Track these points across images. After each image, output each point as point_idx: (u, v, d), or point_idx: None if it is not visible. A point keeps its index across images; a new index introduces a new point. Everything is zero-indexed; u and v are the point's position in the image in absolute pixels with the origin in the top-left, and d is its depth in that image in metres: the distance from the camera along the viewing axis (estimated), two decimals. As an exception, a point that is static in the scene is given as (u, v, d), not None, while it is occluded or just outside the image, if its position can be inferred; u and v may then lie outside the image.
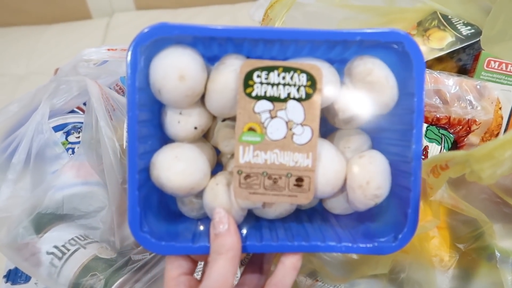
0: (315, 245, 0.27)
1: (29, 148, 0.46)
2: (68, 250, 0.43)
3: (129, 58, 0.26)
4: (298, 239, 0.28)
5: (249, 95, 0.26)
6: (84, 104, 0.52)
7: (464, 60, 0.54)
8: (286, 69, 0.26)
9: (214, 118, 0.30)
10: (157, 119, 0.30)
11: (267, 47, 0.28)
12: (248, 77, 0.26)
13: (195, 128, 0.29)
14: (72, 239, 0.44)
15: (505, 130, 0.45)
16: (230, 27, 0.27)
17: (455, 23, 0.52)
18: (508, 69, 0.47)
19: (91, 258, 0.43)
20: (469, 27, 0.51)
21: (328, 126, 0.31)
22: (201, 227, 0.30)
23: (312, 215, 0.32)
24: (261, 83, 0.26)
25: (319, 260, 0.38)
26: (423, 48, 0.51)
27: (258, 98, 0.26)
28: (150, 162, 0.28)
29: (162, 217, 0.30)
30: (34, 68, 1.08)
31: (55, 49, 1.10)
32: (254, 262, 0.31)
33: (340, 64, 0.29)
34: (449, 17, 0.52)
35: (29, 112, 0.48)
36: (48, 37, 1.13)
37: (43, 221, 0.45)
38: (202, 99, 0.28)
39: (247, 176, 0.27)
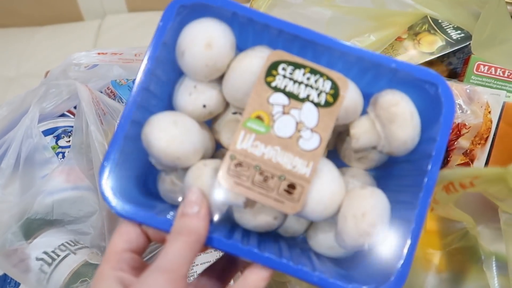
0: (286, 264, 0.25)
1: (18, 153, 0.46)
2: (58, 256, 0.43)
3: (165, 11, 0.26)
4: (270, 251, 0.25)
5: (268, 84, 0.25)
6: (75, 107, 0.52)
7: (454, 64, 0.55)
8: (313, 71, 0.26)
9: (226, 108, 0.29)
10: (165, 99, 0.29)
11: (300, 50, 0.27)
12: (273, 66, 0.26)
13: (204, 106, 0.28)
14: (62, 244, 0.44)
15: (494, 134, 0.45)
16: (269, 15, 0.27)
17: (445, 27, 0.52)
18: (497, 73, 0.48)
19: (81, 264, 0.42)
20: (459, 31, 0.51)
21: (337, 163, 0.29)
22: (171, 212, 0.27)
23: (291, 244, 0.29)
24: (284, 76, 0.26)
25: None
26: (413, 52, 0.51)
27: (276, 89, 0.25)
28: (147, 120, 0.26)
29: (135, 186, 0.28)
30: (25, 70, 1.07)
31: (46, 51, 1.09)
32: (215, 268, 0.28)
33: (366, 100, 0.28)
34: (439, 21, 0.52)
35: (18, 116, 0.48)
36: (39, 39, 1.12)
37: (33, 227, 0.44)
38: (220, 84, 0.28)
39: (238, 164, 0.25)
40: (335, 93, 0.25)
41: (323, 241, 0.28)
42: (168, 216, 0.25)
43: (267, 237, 0.28)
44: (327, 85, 0.26)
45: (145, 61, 0.26)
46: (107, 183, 0.25)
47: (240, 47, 0.28)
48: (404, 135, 0.26)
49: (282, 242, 0.29)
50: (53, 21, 1.17)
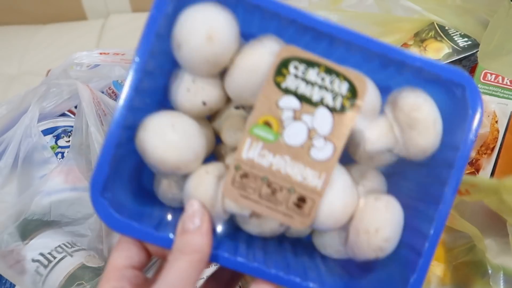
0: (293, 281, 0.23)
1: (16, 152, 0.45)
2: (55, 258, 0.42)
3: None
4: (276, 266, 0.24)
5: (278, 84, 0.23)
6: (76, 107, 0.51)
7: (460, 72, 0.54)
8: (329, 71, 0.23)
9: (227, 102, 0.27)
10: (158, 94, 0.26)
11: (313, 41, 0.24)
12: (284, 64, 0.23)
13: (204, 103, 0.25)
14: (59, 246, 0.43)
15: (501, 144, 0.44)
16: (280, 2, 0.23)
17: (452, 35, 0.51)
18: (505, 82, 0.47)
19: (78, 266, 0.42)
20: (465, 39, 0.51)
21: (344, 157, 0.27)
22: (170, 217, 0.26)
23: (296, 247, 0.28)
24: (296, 76, 0.23)
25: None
26: (419, 59, 0.51)
27: (286, 91, 0.23)
28: (141, 122, 0.24)
29: (130, 192, 0.26)
30: (27, 68, 1.07)
31: (48, 49, 1.09)
32: (219, 278, 0.27)
33: (382, 94, 0.26)
34: (446, 28, 0.52)
35: (17, 115, 0.47)
36: (42, 37, 1.12)
37: (29, 228, 0.44)
38: (221, 77, 0.25)
39: (244, 175, 0.23)
40: (352, 97, 0.23)
41: (329, 244, 0.27)
42: (170, 235, 0.24)
43: (271, 242, 0.27)
44: (344, 87, 0.23)
45: (136, 58, 0.23)
46: (101, 201, 0.23)
47: (244, 32, 0.25)
48: (425, 143, 0.24)
49: (288, 246, 0.27)
50: (56, 20, 1.17)
